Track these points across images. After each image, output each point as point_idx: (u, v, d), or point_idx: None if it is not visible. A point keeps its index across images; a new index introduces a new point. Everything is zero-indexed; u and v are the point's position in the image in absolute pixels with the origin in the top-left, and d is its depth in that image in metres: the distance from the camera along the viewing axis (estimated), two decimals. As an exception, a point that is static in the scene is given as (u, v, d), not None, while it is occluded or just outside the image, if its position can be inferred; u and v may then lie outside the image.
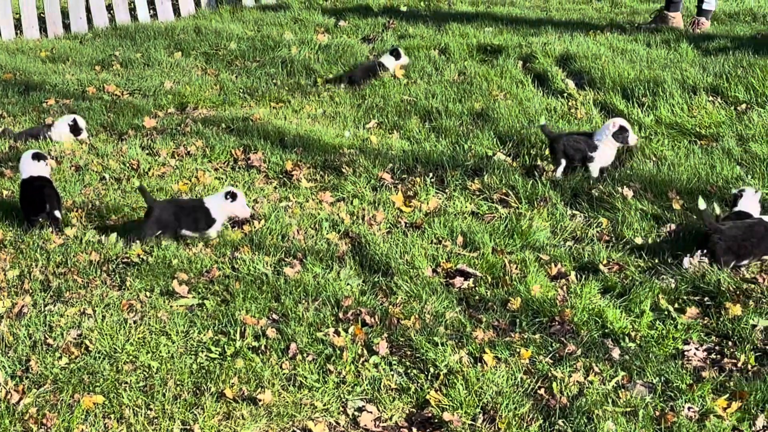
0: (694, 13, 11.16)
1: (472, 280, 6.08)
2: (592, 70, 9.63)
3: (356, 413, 4.88)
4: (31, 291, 5.93)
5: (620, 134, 7.27)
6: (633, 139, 7.36)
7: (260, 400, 4.89)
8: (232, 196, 6.55)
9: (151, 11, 13.47)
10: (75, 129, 8.44)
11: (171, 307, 5.76)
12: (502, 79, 9.68)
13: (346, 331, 5.45)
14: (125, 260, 6.34)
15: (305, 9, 13.34)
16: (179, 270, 6.13)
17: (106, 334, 5.43)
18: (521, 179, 7.33)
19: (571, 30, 11.34)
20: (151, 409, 4.83)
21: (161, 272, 6.12)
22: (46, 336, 5.44)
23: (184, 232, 6.59)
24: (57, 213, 6.69)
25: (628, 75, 9.32)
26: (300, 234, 6.65)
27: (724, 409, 4.79)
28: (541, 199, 7.08)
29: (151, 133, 8.66)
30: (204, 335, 5.45)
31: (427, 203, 7.11)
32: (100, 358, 5.25)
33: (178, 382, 5.03)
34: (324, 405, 4.92)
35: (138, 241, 6.44)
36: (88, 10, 12.98)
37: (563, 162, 7.38)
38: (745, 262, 6.04)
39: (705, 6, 11.01)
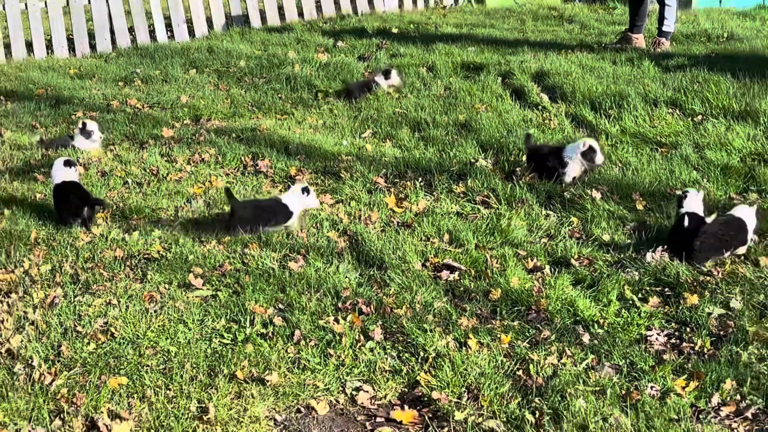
0: (655, 34, 11.16)
1: (457, 273, 6.07)
2: (564, 85, 9.63)
3: (354, 393, 4.88)
4: (62, 284, 5.92)
5: (588, 154, 7.25)
6: (600, 159, 7.32)
7: (268, 381, 4.88)
8: (307, 191, 6.71)
9: (169, 33, 13.45)
10: (84, 131, 8.37)
11: (187, 298, 5.75)
12: (483, 94, 9.67)
13: (344, 319, 5.45)
14: (146, 256, 6.33)
15: (307, 31, 13.32)
16: (195, 265, 6.13)
17: (129, 322, 5.42)
18: (501, 183, 7.33)
19: (545, 49, 11.35)
20: (170, 389, 4.82)
21: (179, 267, 6.11)
22: (76, 324, 5.43)
23: (266, 228, 6.64)
24: (86, 212, 6.73)
25: (596, 89, 9.32)
26: (303, 232, 6.64)
27: (683, 388, 4.80)
28: (519, 201, 7.07)
29: (169, 142, 8.64)
30: (217, 323, 5.45)
31: (417, 204, 7.11)
32: (124, 343, 5.24)
33: (194, 365, 5.02)
34: (325, 385, 4.91)
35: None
36: (112, 32, 12.97)
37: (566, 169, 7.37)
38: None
39: (665, 28, 11.00)
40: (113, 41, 12.97)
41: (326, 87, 10.37)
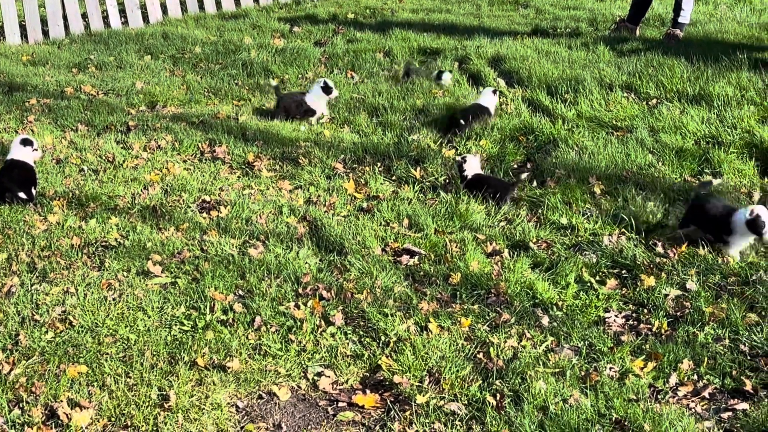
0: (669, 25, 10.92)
1: (417, 257, 6.08)
2: (520, 70, 9.67)
3: (316, 378, 4.87)
4: (18, 272, 5.84)
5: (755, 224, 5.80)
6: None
7: (229, 368, 4.86)
8: (327, 89, 8.61)
9: (123, 19, 13.29)
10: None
11: (146, 285, 5.70)
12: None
13: (305, 304, 5.44)
14: (104, 243, 6.27)
15: (263, 16, 13.24)
16: (153, 252, 6.08)
17: (87, 311, 5.37)
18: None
19: (501, 34, 11.38)
20: (130, 377, 4.78)
21: (137, 254, 6.06)
22: (33, 313, 5.36)
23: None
24: (22, 194, 6.78)
25: (552, 74, 9.37)
26: (262, 218, 6.61)
27: (641, 368, 4.86)
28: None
29: (125, 128, 8.56)
30: (177, 310, 5.41)
31: (376, 189, 7.11)
32: (82, 332, 5.18)
33: (155, 353, 4.99)
34: (287, 371, 4.90)
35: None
36: (65, 18, 12.76)
37: None
38: None
39: (680, 19, 10.61)
40: (66, 27, 12.77)
41: (282, 72, 10.28)
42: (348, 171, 7.51)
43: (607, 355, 4.98)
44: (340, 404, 4.71)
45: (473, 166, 7.00)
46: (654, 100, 8.55)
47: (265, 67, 10.44)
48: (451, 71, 9.76)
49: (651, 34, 11.00)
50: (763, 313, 5.28)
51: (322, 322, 5.29)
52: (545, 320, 5.34)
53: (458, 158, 7.06)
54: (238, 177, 7.47)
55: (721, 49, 9.56)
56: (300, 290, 5.62)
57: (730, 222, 5.88)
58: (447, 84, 9.52)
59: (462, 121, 8.08)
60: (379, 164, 7.57)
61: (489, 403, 4.58)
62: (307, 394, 4.79)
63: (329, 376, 4.87)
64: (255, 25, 12.63)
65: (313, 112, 8.67)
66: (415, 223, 6.53)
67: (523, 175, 7.04)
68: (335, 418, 4.60)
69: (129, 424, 4.48)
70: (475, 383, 4.76)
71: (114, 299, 5.53)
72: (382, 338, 5.15)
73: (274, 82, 9.43)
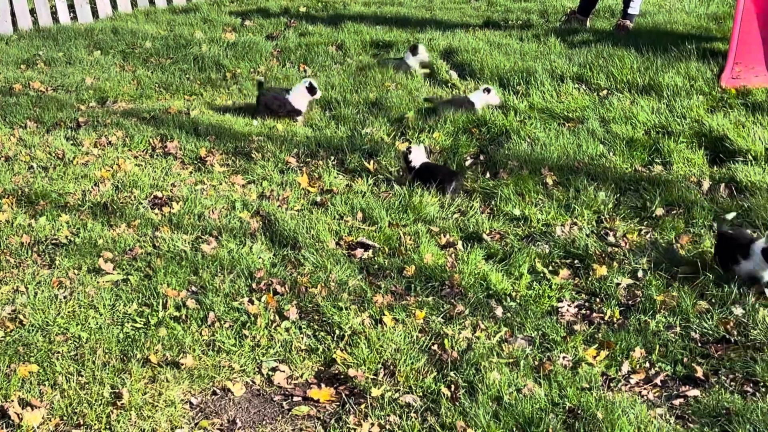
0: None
1: (371, 251, 6.08)
2: (472, 62, 9.68)
3: (270, 373, 4.86)
4: (-34, 272, 5.77)
5: None
6: None
7: (182, 365, 4.83)
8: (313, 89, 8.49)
9: (72, 14, 13.11)
10: None
11: (98, 282, 5.65)
12: (394, 72, 9.66)
13: (259, 299, 5.42)
14: (54, 241, 6.19)
15: (214, 10, 13.14)
16: (104, 249, 6.02)
17: (38, 309, 5.31)
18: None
19: (453, 27, 11.39)
20: (82, 376, 4.74)
21: (88, 251, 6.00)
22: (-18, 312, 5.30)
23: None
24: None
25: (504, 66, 9.40)
26: (215, 214, 6.57)
27: (594, 357, 4.90)
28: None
29: (75, 125, 8.46)
30: (129, 307, 5.37)
31: (330, 183, 7.09)
32: (33, 330, 5.13)
33: (107, 351, 4.94)
34: (241, 366, 4.89)
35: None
36: (13, 14, 12.57)
37: None
38: None
39: (630, 10, 10.60)
40: (14, 23, 12.58)
41: (234, 66, 10.22)
42: (301, 165, 7.49)
43: (560, 344, 5.02)
44: (295, 399, 4.69)
45: (419, 156, 7.02)
46: (605, 91, 8.61)
47: (217, 61, 10.36)
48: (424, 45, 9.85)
49: (601, 25, 11.07)
50: (713, 300, 5.34)
51: (277, 317, 5.28)
52: (499, 311, 5.36)
53: (404, 149, 7.10)
54: (191, 172, 7.42)
55: (671, 40, 9.65)
56: (254, 285, 5.59)
57: None
58: (424, 57, 9.61)
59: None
60: (332, 158, 7.55)
61: (444, 394, 4.60)
62: (261, 389, 4.77)
63: (284, 371, 4.86)
64: (206, 19, 12.53)
65: (298, 113, 8.55)
66: (369, 216, 6.53)
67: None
68: (290, 413, 4.59)
69: (81, 422, 4.44)
70: (430, 375, 4.77)
71: (65, 297, 5.47)
72: (337, 332, 5.15)
73: (259, 77, 9.35)
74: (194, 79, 9.96)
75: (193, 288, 5.60)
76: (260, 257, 5.94)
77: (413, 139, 7.85)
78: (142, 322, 5.23)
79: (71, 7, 13.09)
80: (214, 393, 4.73)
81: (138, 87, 9.72)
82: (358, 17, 12.18)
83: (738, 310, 5.19)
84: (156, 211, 6.66)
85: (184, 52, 10.81)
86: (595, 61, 9.23)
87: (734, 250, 5.49)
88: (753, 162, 6.87)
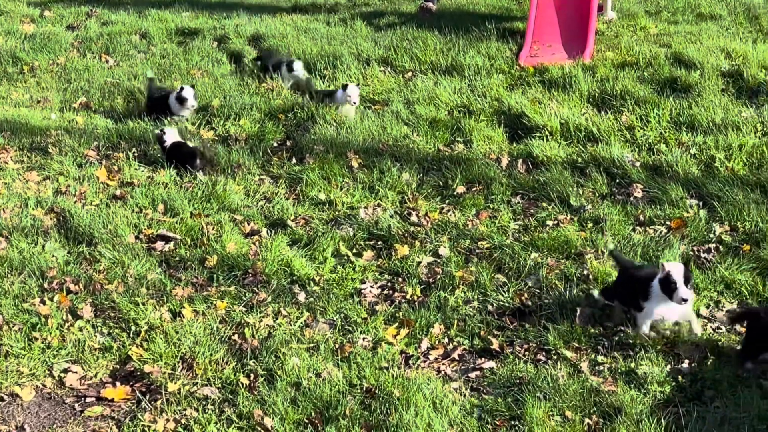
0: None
1: (172, 243, 5.94)
2: (279, 47, 9.59)
3: (62, 375, 4.68)
4: None
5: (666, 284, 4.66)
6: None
7: (-33, 372, 4.60)
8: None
9: None
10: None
11: None
12: (199, 59, 9.48)
13: (51, 299, 5.21)
14: None
15: (11, 1, 12.53)
16: None
17: None
18: (221, 147, 7.29)
19: (261, 12, 11.24)
20: None
21: None
22: None
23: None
24: None
25: (311, 51, 9.34)
26: (6, 213, 6.27)
27: (395, 336, 4.94)
28: (236, 166, 7.02)
29: None
30: None
31: (130, 176, 6.89)
32: None
33: None
34: (30, 370, 4.68)
35: None
36: None
37: None
38: None
39: None
40: None
41: (32, 60, 9.78)
42: (101, 158, 7.24)
43: (361, 325, 5.03)
44: (89, 399, 4.53)
45: (172, 137, 7.13)
46: (409, 73, 8.69)
47: (13, 54, 9.87)
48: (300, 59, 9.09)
49: (406, 8, 11.14)
50: (509, 273, 5.46)
51: (70, 317, 5.08)
52: (302, 296, 5.33)
53: (158, 131, 7.18)
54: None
55: (473, 20, 9.81)
56: (46, 285, 5.37)
57: None
58: (300, 75, 8.69)
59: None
60: (134, 150, 7.33)
61: (242, 384, 4.53)
62: (52, 392, 4.59)
63: (76, 372, 4.69)
64: (2, 11, 11.92)
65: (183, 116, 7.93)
66: (171, 207, 6.38)
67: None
68: (83, 414, 4.43)
69: None
70: (229, 365, 4.69)
71: None
72: (133, 328, 5.00)
73: (150, 74, 8.94)
74: (-12, 73, 9.48)
75: (-19, 291, 5.33)
76: (54, 255, 5.70)
77: (219, 128, 7.73)
78: None
79: None
80: (2, 399, 4.51)
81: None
82: (163, 4, 11.82)
83: (531, 281, 5.33)
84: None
85: (-22, 46, 10.29)
86: (399, 43, 9.31)
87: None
88: (549, 137, 7.07)
